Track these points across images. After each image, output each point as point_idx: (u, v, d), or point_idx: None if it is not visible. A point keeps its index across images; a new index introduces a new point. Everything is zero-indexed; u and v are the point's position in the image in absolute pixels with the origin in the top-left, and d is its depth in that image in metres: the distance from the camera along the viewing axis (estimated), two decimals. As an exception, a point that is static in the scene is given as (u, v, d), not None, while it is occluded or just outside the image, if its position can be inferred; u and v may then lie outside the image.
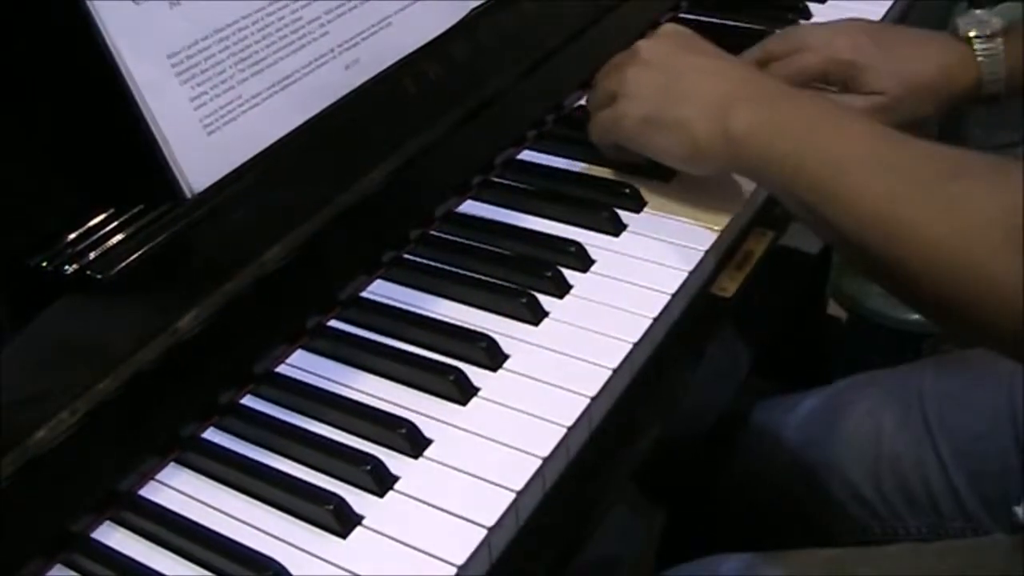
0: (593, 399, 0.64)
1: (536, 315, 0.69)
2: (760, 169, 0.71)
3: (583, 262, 0.73)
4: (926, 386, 0.92)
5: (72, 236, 0.62)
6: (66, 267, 0.60)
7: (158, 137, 0.63)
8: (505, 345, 0.67)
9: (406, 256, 0.76)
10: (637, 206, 0.78)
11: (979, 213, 0.60)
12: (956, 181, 0.62)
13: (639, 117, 0.76)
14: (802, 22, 1.01)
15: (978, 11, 0.85)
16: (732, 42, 0.98)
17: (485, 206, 0.81)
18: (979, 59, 0.83)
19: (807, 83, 0.83)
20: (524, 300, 0.70)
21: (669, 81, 0.75)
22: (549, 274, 0.72)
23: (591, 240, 0.75)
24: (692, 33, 0.81)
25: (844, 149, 0.67)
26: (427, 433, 0.62)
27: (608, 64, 0.82)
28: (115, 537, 0.59)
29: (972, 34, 0.83)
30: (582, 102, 0.93)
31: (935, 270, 0.61)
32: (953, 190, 0.62)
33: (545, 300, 0.70)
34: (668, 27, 0.82)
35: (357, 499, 0.59)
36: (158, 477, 0.62)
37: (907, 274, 0.62)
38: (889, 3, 1.03)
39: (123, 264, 0.61)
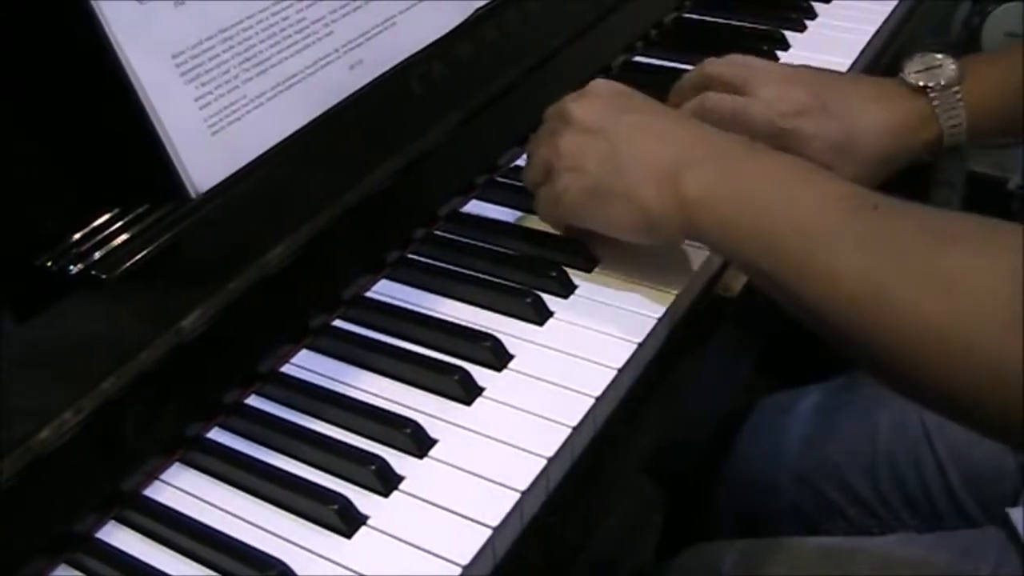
0: (598, 399, 0.64)
1: (541, 315, 0.69)
2: (721, 240, 0.64)
3: (588, 262, 0.73)
4: None
5: (77, 236, 0.62)
6: (71, 267, 0.60)
7: (163, 137, 0.63)
8: (510, 345, 0.67)
9: (411, 256, 0.76)
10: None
11: (980, 289, 0.53)
12: (948, 254, 0.55)
13: (581, 190, 0.69)
14: (807, 22, 1.01)
15: (925, 55, 0.78)
16: (737, 42, 0.99)
17: (490, 206, 0.81)
18: (938, 112, 0.77)
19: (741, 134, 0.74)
20: (529, 300, 0.70)
21: (610, 147, 0.68)
22: (554, 274, 0.72)
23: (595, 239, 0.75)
24: (625, 88, 0.74)
25: (819, 218, 0.60)
26: (432, 433, 0.62)
27: (538, 132, 0.75)
28: (119, 537, 0.59)
29: (921, 84, 0.77)
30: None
31: (933, 358, 0.53)
32: (946, 265, 0.54)
33: (550, 300, 0.70)
34: (598, 84, 0.74)
35: (362, 499, 0.59)
36: (163, 477, 0.62)
37: (899, 363, 0.56)
38: (894, 3, 1.03)
39: (128, 264, 0.61)
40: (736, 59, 0.82)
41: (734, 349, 0.80)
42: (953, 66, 0.77)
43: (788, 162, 0.66)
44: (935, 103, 0.77)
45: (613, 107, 0.71)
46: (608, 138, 0.69)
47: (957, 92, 0.77)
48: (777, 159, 0.66)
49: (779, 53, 0.97)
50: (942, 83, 0.77)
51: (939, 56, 0.78)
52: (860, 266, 0.57)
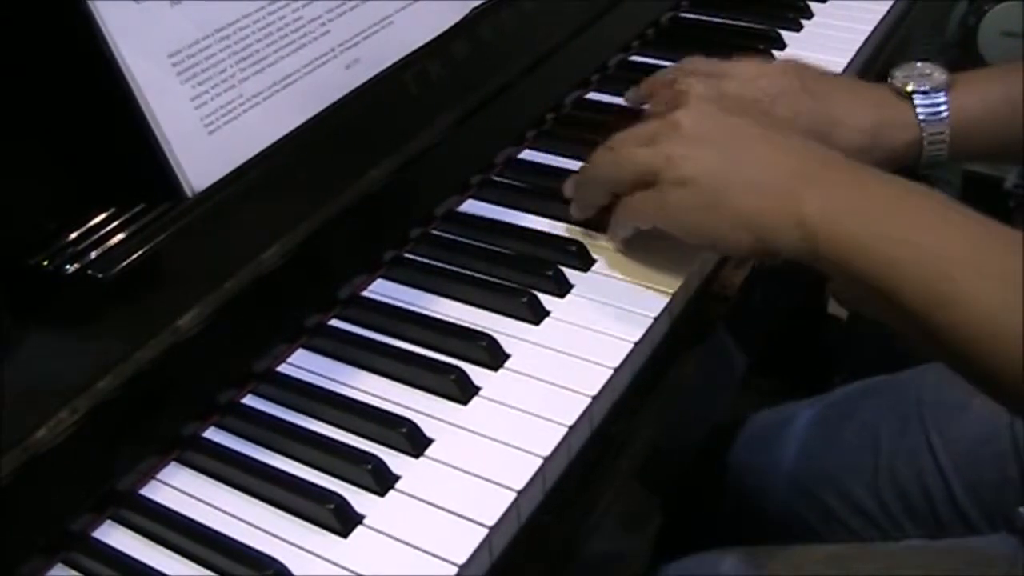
0: (594, 398, 0.64)
1: (537, 314, 0.69)
2: (844, 262, 0.61)
3: (584, 261, 0.73)
4: (924, 395, 0.91)
5: (73, 235, 0.62)
6: (67, 266, 0.60)
7: (159, 136, 0.63)
8: (506, 344, 0.67)
9: (407, 255, 0.76)
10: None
11: None
12: None
13: (694, 206, 0.65)
14: (803, 22, 1.01)
15: (919, 63, 0.77)
16: (733, 41, 0.99)
17: (485, 205, 0.81)
18: (919, 118, 0.75)
19: None
20: (525, 299, 0.70)
21: (723, 158, 0.65)
22: (550, 273, 0.72)
23: (592, 241, 0.75)
24: (728, 92, 0.72)
25: (949, 249, 0.58)
26: (428, 432, 0.62)
27: (631, 134, 0.71)
28: (116, 536, 0.59)
29: (910, 88, 0.76)
30: (588, 96, 0.93)
31: None
32: None
33: (546, 299, 0.70)
34: (698, 88, 0.72)
35: (358, 498, 0.59)
36: (159, 476, 0.62)
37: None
38: (890, 2, 1.03)
39: (124, 263, 0.61)
40: (714, 60, 0.81)
41: (730, 349, 0.80)
42: (943, 75, 0.76)
43: (909, 187, 0.63)
44: (918, 108, 0.75)
45: (725, 113, 0.68)
46: (721, 148, 0.66)
47: (943, 101, 0.75)
48: (899, 180, 0.63)
49: (775, 52, 0.97)
50: (927, 88, 0.75)
51: (929, 65, 0.77)
52: (1003, 301, 0.56)
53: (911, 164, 0.77)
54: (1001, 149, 0.79)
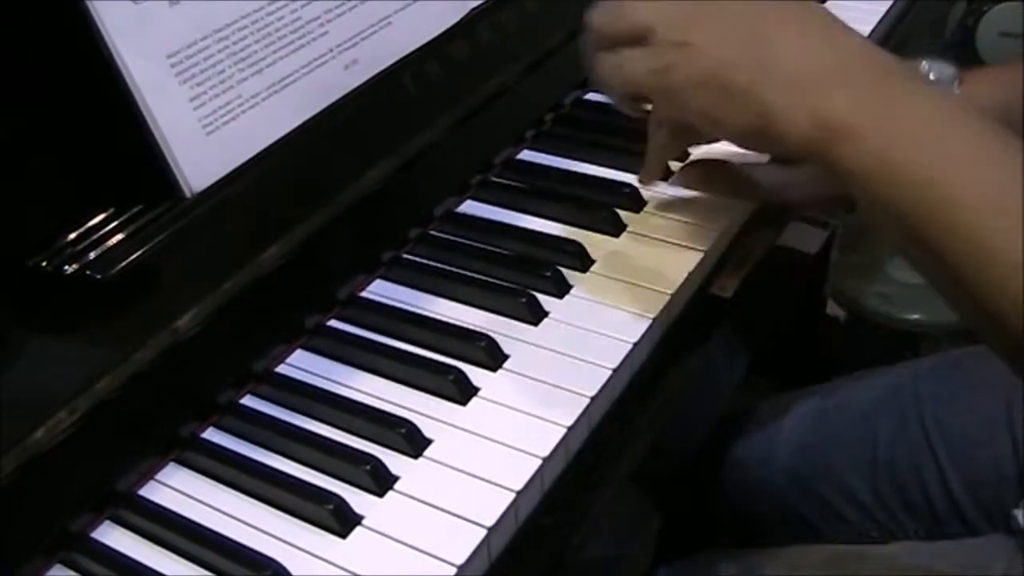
0: (593, 399, 0.64)
1: (536, 315, 0.69)
2: (868, 182, 0.54)
3: (583, 261, 0.73)
4: (923, 391, 0.91)
5: (71, 236, 0.62)
6: (65, 267, 0.60)
7: (157, 137, 0.63)
8: (505, 345, 0.67)
9: (405, 256, 0.76)
10: (637, 206, 0.78)
11: None
12: None
13: (693, 75, 0.58)
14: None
15: (924, 62, 0.73)
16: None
17: (484, 206, 0.81)
18: None
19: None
20: (524, 300, 0.70)
21: (743, 28, 0.57)
22: (549, 274, 0.72)
23: (590, 241, 0.75)
24: None
25: (1011, 192, 0.51)
26: (427, 433, 0.62)
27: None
28: (114, 536, 0.59)
29: None
30: (588, 96, 0.93)
31: None
32: None
33: (545, 300, 0.70)
34: None
35: (357, 499, 0.59)
36: (158, 477, 0.62)
37: None
38: (889, 3, 1.03)
39: (122, 264, 0.61)
40: None
41: (730, 349, 0.80)
42: (951, 70, 0.73)
43: (966, 109, 0.56)
44: None
45: None
46: (744, 15, 0.58)
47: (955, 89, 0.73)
48: (955, 101, 0.57)
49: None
50: (941, 80, 0.72)
51: (937, 64, 0.73)
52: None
53: None
54: None
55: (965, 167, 0.52)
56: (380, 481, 0.59)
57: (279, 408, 0.65)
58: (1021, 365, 0.55)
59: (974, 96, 0.74)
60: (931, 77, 0.74)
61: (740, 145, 0.62)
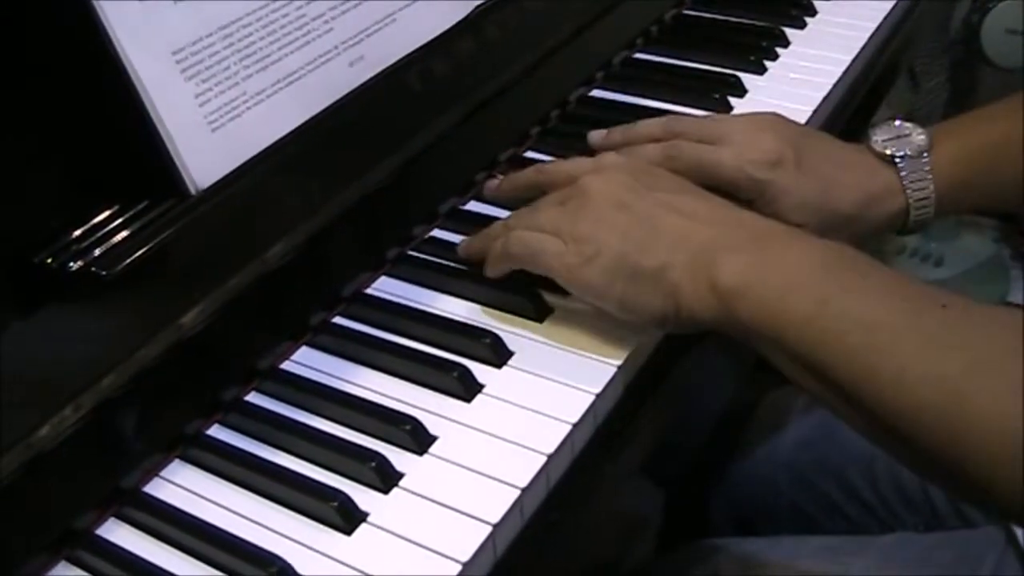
0: (598, 395, 0.64)
1: (541, 311, 0.69)
2: (762, 330, 0.59)
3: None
4: None
5: (76, 233, 0.62)
6: (70, 264, 0.60)
7: (162, 134, 0.63)
8: (510, 342, 0.67)
9: (411, 253, 0.76)
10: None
11: None
12: None
13: (605, 267, 0.63)
14: (807, 19, 1.01)
15: (896, 122, 0.75)
16: (736, 39, 0.99)
17: (490, 204, 0.80)
18: (906, 184, 0.73)
19: (711, 185, 0.70)
20: (529, 297, 0.70)
21: (635, 224, 0.63)
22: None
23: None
24: (647, 165, 0.69)
25: (884, 314, 0.56)
26: (432, 430, 0.62)
27: (538, 204, 0.69)
28: (119, 534, 0.59)
29: (889, 153, 0.73)
30: (593, 93, 0.93)
31: (1018, 466, 0.50)
32: None
33: (550, 297, 0.70)
34: (616, 159, 0.70)
35: (362, 496, 0.59)
36: (163, 474, 0.62)
37: (973, 470, 0.52)
38: (892, 3, 1.03)
39: (127, 261, 0.61)
40: (700, 116, 0.79)
41: (733, 346, 0.80)
42: (922, 135, 0.74)
43: (840, 250, 0.61)
44: (903, 174, 0.73)
45: (638, 182, 0.66)
46: (633, 214, 0.64)
47: (926, 162, 0.73)
48: (828, 246, 0.61)
49: (779, 50, 0.96)
50: (909, 153, 0.73)
51: (908, 125, 0.75)
52: (933, 372, 0.53)
53: (898, 229, 0.75)
54: (987, 201, 0.78)
55: (839, 299, 0.57)
56: (385, 478, 0.59)
57: (284, 405, 0.65)
58: (930, 475, 0.59)
59: (950, 156, 0.74)
60: (905, 129, 0.74)
61: (663, 330, 0.66)
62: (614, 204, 0.65)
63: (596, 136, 0.80)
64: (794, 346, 0.58)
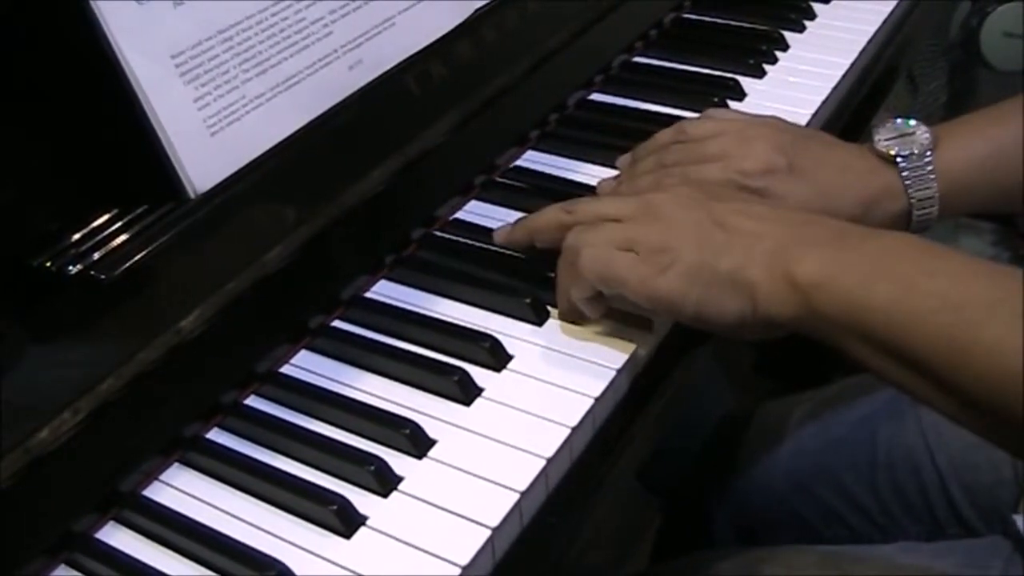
0: (597, 400, 0.64)
1: (540, 315, 0.69)
2: (847, 322, 0.58)
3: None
4: None
5: (76, 236, 0.62)
6: (70, 267, 0.60)
7: (162, 137, 0.63)
8: (509, 346, 0.67)
9: (409, 256, 0.76)
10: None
11: None
12: None
13: (680, 275, 0.62)
14: (806, 22, 1.01)
15: (899, 120, 0.74)
16: (735, 42, 0.99)
17: (488, 206, 0.81)
18: (908, 184, 0.73)
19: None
20: (528, 300, 0.70)
21: (707, 230, 0.63)
22: (553, 274, 0.71)
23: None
24: (707, 183, 0.69)
25: (968, 292, 0.55)
26: (431, 433, 0.62)
27: (602, 220, 0.67)
28: (118, 537, 0.59)
29: (893, 153, 0.72)
30: (591, 96, 0.93)
31: None
32: None
33: (549, 301, 0.70)
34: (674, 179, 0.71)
35: (361, 499, 0.59)
36: (162, 477, 0.62)
37: None
38: (893, 3, 1.03)
39: (127, 264, 0.61)
40: (698, 117, 0.79)
41: (732, 352, 0.80)
42: (926, 134, 0.73)
43: (913, 238, 0.60)
44: (905, 174, 0.72)
45: (703, 194, 0.66)
46: (705, 221, 0.63)
47: (929, 162, 0.73)
48: (902, 235, 0.61)
49: (778, 53, 0.97)
50: (914, 152, 0.73)
51: (912, 123, 0.74)
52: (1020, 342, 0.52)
53: (901, 230, 0.74)
54: (989, 202, 0.77)
55: (924, 281, 0.57)
56: (384, 482, 0.59)
57: (283, 409, 0.65)
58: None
59: (953, 156, 0.73)
60: (908, 127, 0.74)
61: (741, 336, 0.64)
62: (685, 214, 0.64)
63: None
64: (881, 333, 0.57)
